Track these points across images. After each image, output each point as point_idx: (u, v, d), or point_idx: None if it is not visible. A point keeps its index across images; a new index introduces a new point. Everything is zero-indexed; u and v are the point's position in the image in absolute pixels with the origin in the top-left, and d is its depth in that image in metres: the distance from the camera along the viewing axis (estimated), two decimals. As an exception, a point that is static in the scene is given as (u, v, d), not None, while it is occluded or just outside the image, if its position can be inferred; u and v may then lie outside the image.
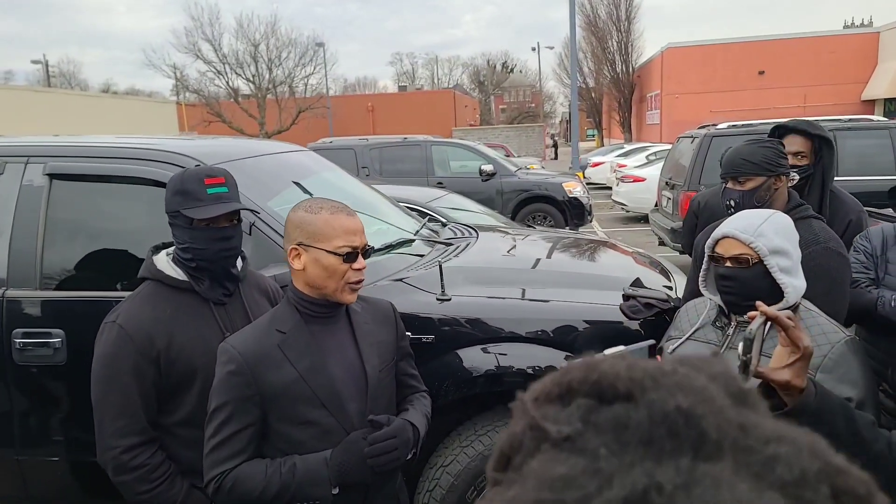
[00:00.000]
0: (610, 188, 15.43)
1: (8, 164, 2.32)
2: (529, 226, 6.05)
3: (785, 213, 2.16)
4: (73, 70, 62.07)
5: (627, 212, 12.96)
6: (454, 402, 2.30)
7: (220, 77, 31.23)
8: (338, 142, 10.30)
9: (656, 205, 9.43)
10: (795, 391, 1.18)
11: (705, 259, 1.66)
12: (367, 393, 1.51)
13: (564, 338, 2.32)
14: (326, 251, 1.43)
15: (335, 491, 1.41)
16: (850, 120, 7.72)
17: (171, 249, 1.74)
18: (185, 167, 2.32)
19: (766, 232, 1.53)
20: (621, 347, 0.93)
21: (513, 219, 9.24)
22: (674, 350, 1.68)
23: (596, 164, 19.72)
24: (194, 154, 2.40)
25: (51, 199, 2.29)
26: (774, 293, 1.51)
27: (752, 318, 1.19)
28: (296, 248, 1.46)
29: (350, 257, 1.45)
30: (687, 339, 1.67)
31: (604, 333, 2.35)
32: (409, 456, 1.54)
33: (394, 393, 1.64)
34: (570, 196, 9.55)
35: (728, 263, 1.55)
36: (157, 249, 1.75)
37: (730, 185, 2.20)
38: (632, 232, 11.55)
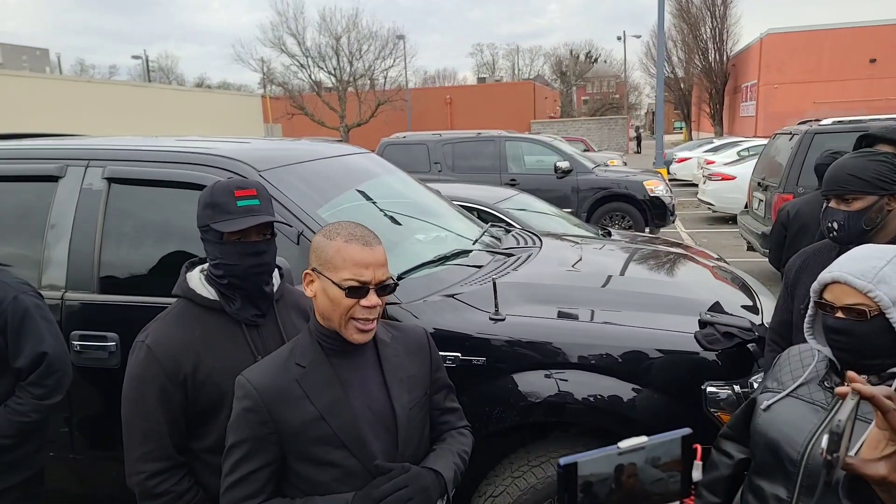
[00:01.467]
0: (696, 186, 14.65)
1: (69, 166, 2.35)
2: (605, 227, 5.74)
3: (899, 238, 1.85)
4: (170, 65, 65.69)
5: (714, 212, 12.24)
6: (507, 428, 2.14)
7: (303, 70, 32.12)
8: (411, 137, 10.26)
9: (746, 206, 8.79)
10: (895, 488, 0.94)
11: (811, 304, 1.38)
12: (395, 433, 1.38)
13: (633, 367, 2.10)
14: (332, 282, 1.31)
15: None
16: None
17: (205, 266, 1.67)
18: (237, 172, 2.28)
19: (888, 277, 1.23)
20: (644, 439, 0.74)
21: (588, 219, 8.90)
22: (769, 406, 1.41)
23: (682, 160, 18.80)
24: (248, 159, 2.35)
25: (109, 204, 2.31)
26: None
27: (842, 395, 0.94)
28: (310, 274, 1.37)
29: (356, 292, 1.31)
30: (787, 395, 1.40)
31: (678, 365, 2.11)
32: None
33: (427, 431, 1.50)
34: (652, 195, 9.06)
35: (839, 314, 1.27)
36: (192, 265, 1.69)
37: (833, 203, 1.89)
38: (718, 234, 10.89)
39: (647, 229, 9.01)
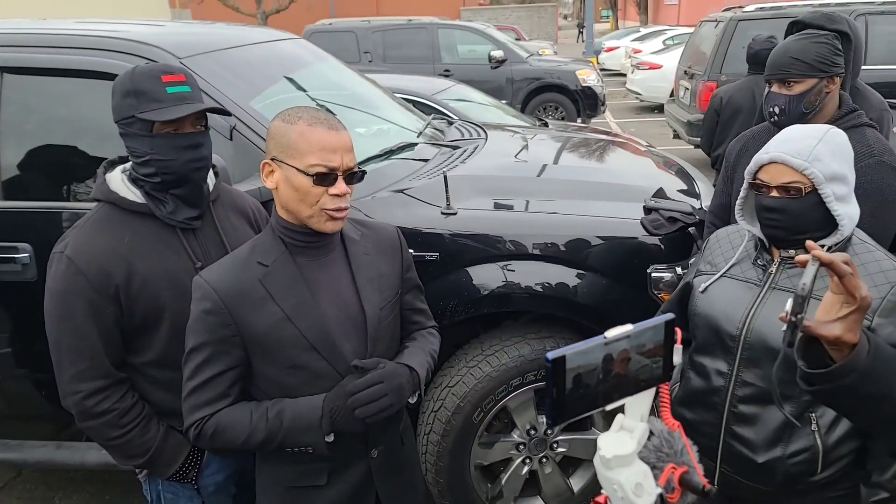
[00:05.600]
0: (624, 75, 14.68)
1: (-48, 54, 2.03)
2: (540, 118, 5.69)
3: (835, 119, 1.90)
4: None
5: (641, 101, 12.40)
6: (460, 321, 2.16)
7: (211, -53, 28.89)
8: (338, 24, 9.57)
9: (672, 95, 8.92)
10: (846, 347, 1.00)
11: (744, 185, 1.41)
12: (366, 333, 1.34)
13: (577, 255, 2.14)
14: (297, 169, 1.21)
15: (329, 438, 1.29)
16: (883, 3, 7.07)
17: (127, 165, 1.48)
18: (153, 60, 2.04)
19: (821, 155, 1.28)
20: (630, 327, 0.74)
21: (523, 109, 8.80)
22: (706, 288, 1.48)
23: (610, 49, 18.70)
24: (166, 45, 2.09)
25: (3, 96, 2.03)
26: (826, 224, 1.31)
27: (802, 264, 0.98)
28: (269, 164, 1.25)
29: (324, 179, 1.21)
30: (721, 276, 1.46)
31: (620, 250, 2.16)
32: (414, 400, 1.40)
33: (398, 331, 1.47)
34: (584, 85, 9.01)
35: (774, 193, 1.31)
36: (111, 165, 1.50)
37: (775, 88, 1.90)
38: (645, 123, 11.09)
39: (579, 119, 9.04)
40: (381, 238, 1.44)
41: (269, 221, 1.33)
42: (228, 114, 1.48)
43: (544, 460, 2.36)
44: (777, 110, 1.91)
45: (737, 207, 1.46)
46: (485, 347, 2.22)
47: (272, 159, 1.25)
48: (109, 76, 1.98)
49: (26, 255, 2.01)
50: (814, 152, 1.28)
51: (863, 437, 1.34)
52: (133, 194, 1.43)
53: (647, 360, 0.75)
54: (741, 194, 1.44)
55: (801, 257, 0.98)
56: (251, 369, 1.31)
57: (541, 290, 2.12)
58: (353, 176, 1.26)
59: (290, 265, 1.28)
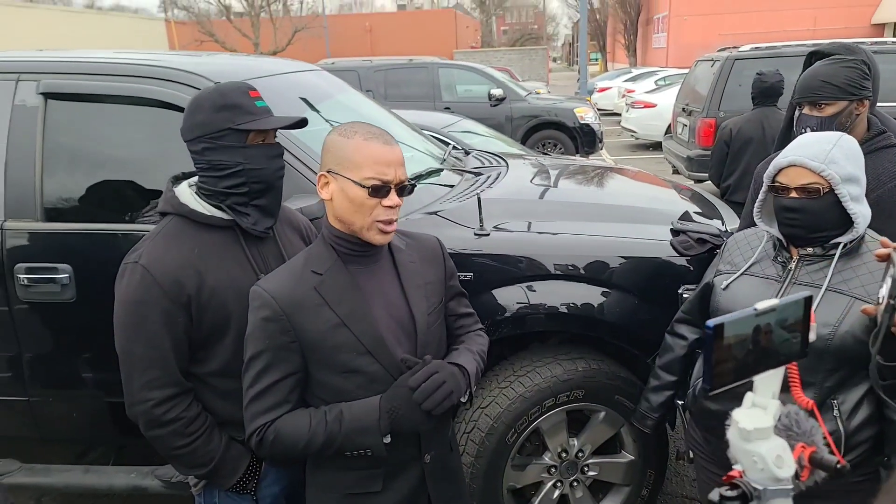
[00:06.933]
0: (617, 114, 15.02)
1: (-4, 81, 2.08)
2: (544, 153, 5.83)
3: (865, 141, 1.97)
4: (53, -16, 58.69)
5: (637, 139, 12.64)
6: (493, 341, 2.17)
7: (210, -9, 29.64)
8: (340, 63, 9.78)
9: (667, 131, 9.12)
10: None
11: (763, 189, 1.52)
12: (415, 338, 1.37)
13: (610, 275, 2.16)
14: (353, 181, 1.26)
15: (387, 440, 1.30)
16: (874, 42, 7.37)
17: (192, 180, 1.53)
18: (196, 87, 2.09)
19: (837, 158, 1.39)
20: (776, 301, 0.79)
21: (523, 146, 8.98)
22: (728, 285, 1.57)
23: (603, 89, 19.14)
24: (207, 73, 2.15)
25: (47, 122, 2.07)
26: (841, 222, 1.41)
27: (882, 258, 1.06)
28: (325, 175, 1.31)
29: (378, 191, 1.26)
30: (742, 273, 1.56)
31: (649, 271, 2.19)
32: (465, 399, 1.41)
33: (444, 337, 1.49)
34: (582, 122, 9.21)
35: (794, 194, 1.42)
36: (177, 180, 1.54)
37: (807, 110, 1.98)
38: (642, 159, 11.27)
39: (577, 156, 9.22)
40: (425, 248, 1.48)
41: (319, 234, 1.38)
42: (306, 124, 1.54)
43: (575, 484, 2.34)
44: (809, 132, 1.98)
45: (755, 210, 1.56)
46: (516, 368, 2.23)
47: (328, 171, 1.29)
48: (158, 103, 2.05)
49: (66, 275, 2.02)
50: (829, 155, 1.39)
51: (881, 422, 1.41)
52: (203, 207, 1.47)
53: (787, 335, 0.80)
54: (759, 197, 1.54)
55: (881, 251, 1.05)
56: (308, 376, 1.33)
57: (566, 310, 2.14)
58: (404, 189, 1.32)
59: (343, 273, 1.32)
